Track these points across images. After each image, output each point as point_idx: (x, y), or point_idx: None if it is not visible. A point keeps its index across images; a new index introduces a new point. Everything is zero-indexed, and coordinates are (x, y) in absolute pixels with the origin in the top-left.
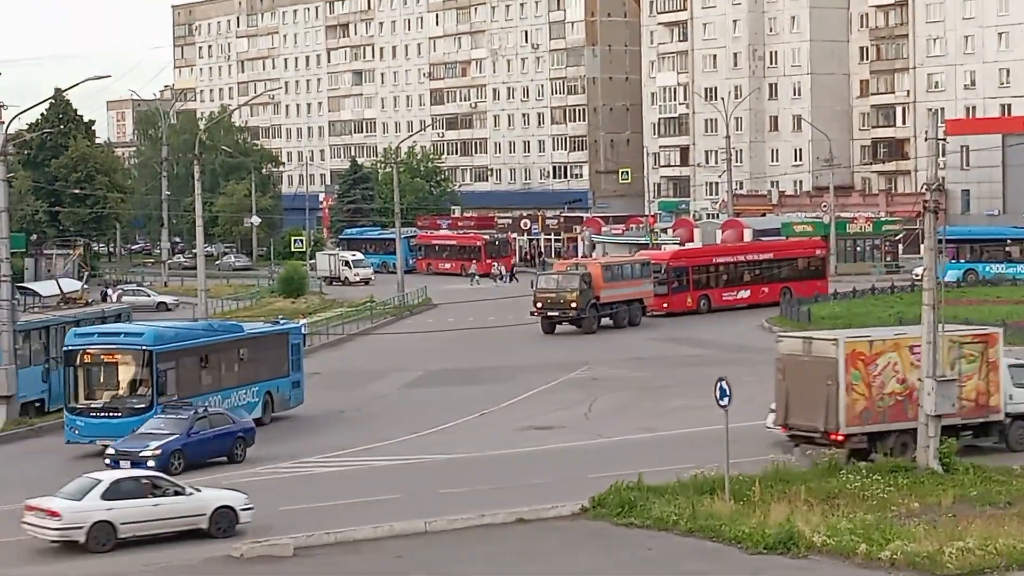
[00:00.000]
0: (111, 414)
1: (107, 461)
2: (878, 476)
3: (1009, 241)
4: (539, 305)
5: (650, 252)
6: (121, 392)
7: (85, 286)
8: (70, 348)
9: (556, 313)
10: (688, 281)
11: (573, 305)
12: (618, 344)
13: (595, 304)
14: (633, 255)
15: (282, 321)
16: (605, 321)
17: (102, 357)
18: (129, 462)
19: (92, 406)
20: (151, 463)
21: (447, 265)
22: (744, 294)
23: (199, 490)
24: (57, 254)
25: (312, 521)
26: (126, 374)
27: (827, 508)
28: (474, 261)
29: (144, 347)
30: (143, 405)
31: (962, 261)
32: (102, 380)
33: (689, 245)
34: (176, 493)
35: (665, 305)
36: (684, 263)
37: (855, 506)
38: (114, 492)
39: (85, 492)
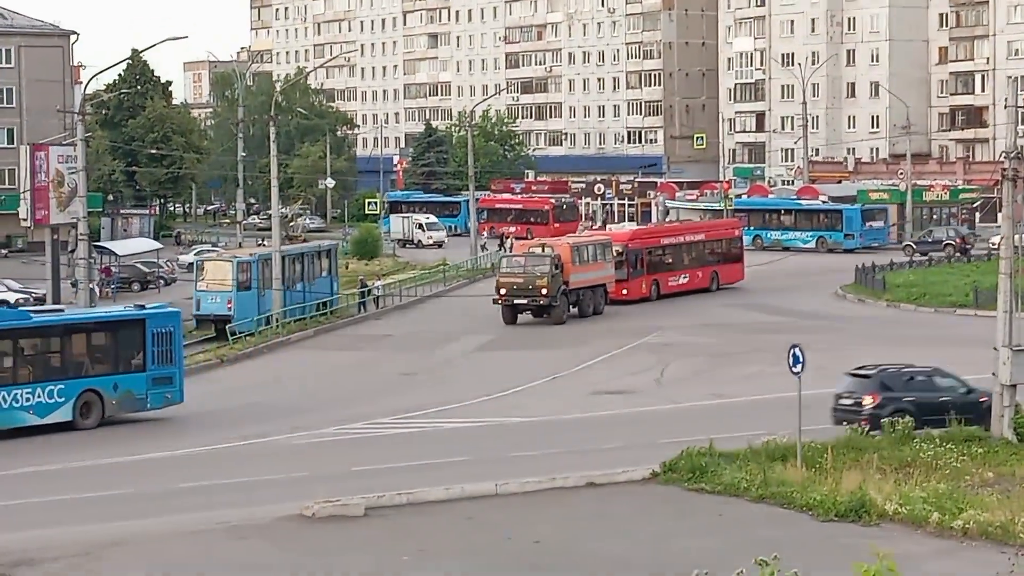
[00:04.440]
0: None
1: None
2: (952, 445)
3: (783, 211)
4: (503, 292)
5: (607, 231)
6: None
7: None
8: None
9: (524, 301)
10: (643, 264)
11: (544, 292)
12: (690, 310)
13: (565, 291)
14: (593, 235)
15: (150, 306)
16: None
17: None
18: None
19: None
20: None
21: (512, 229)
22: (684, 279)
23: None
24: (133, 214)
25: (384, 482)
26: None
27: (900, 477)
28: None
29: None
30: None
31: (752, 228)
32: None
33: (628, 226)
34: None
35: (624, 292)
36: (640, 244)
37: (928, 475)
38: None
39: None
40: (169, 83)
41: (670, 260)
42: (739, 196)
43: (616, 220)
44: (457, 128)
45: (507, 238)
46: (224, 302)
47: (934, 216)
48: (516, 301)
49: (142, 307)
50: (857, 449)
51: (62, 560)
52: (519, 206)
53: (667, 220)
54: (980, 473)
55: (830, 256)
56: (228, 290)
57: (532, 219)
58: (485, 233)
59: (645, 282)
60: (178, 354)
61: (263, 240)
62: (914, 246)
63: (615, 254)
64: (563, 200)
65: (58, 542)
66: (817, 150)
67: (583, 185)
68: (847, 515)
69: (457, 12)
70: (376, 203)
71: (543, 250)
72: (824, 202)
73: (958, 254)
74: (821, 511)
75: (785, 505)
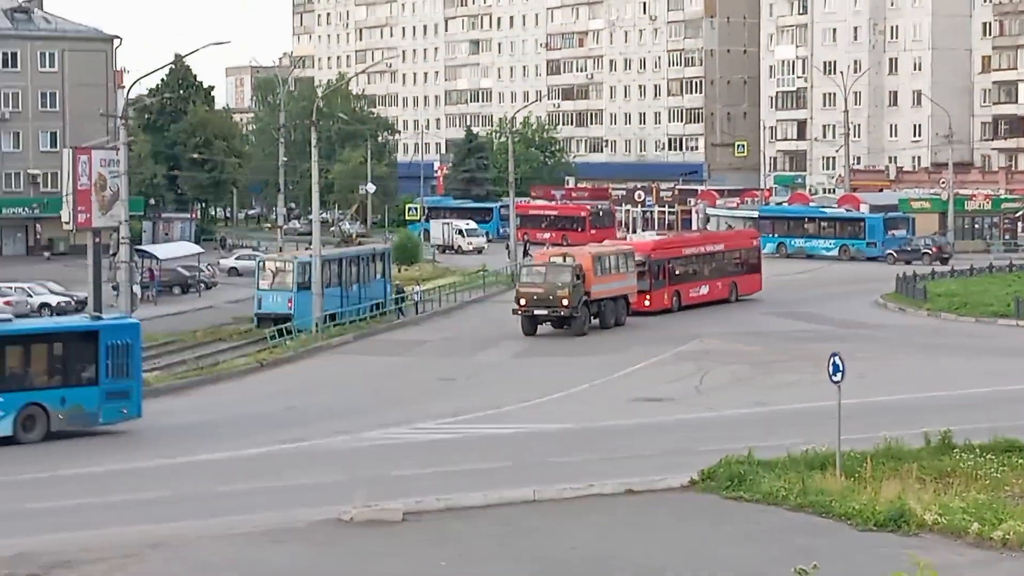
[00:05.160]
0: None
1: None
2: (992, 455)
3: (807, 219)
4: (523, 302)
5: (630, 241)
6: None
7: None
8: None
9: (544, 312)
10: (666, 275)
11: (565, 303)
12: (730, 318)
13: (586, 301)
14: (616, 244)
15: (107, 317)
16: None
17: None
18: None
19: None
20: None
21: (546, 235)
22: (705, 290)
23: None
24: (174, 218)
25: (422, 487)
26: None
27: (939, 486)
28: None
29: None
30: None
31: (775, 236)
32: None
33: (647, 235)
34: None
35: (647, 303)
36: (662, 254)
37: (968, 485)
38: None
39: None
40: (211, 88)
41: (691, 271)
42: (780, 204)
43: (655, 227)
44: (498, 134)
45: (530, 246)
46: (285, 301)
47: (976, 226)
48: (536, 312)
49: (99, 317)
50: (896, 459)
51: (101, 562)
52: (554, 212)
53: (707, 228)
54: (1020, 483)
55: (866, 265)
56: (289, 290)
57: (568, 226)
58: (521, 239)
59: (667, 293)
60: (136, 367)
61: (307, 245)
62: (895, 254)
63: (637, 264)
64: (599, 207)
65: (97, 544)
66: (858, 158)
67: (623, 192)
68: (886, 525)
69: (499, 19)
70: (416, 208)
71: (564, 260)
72: (848, 210)
73: (937, 262)
74: (860, 520)
75: (824, 514)
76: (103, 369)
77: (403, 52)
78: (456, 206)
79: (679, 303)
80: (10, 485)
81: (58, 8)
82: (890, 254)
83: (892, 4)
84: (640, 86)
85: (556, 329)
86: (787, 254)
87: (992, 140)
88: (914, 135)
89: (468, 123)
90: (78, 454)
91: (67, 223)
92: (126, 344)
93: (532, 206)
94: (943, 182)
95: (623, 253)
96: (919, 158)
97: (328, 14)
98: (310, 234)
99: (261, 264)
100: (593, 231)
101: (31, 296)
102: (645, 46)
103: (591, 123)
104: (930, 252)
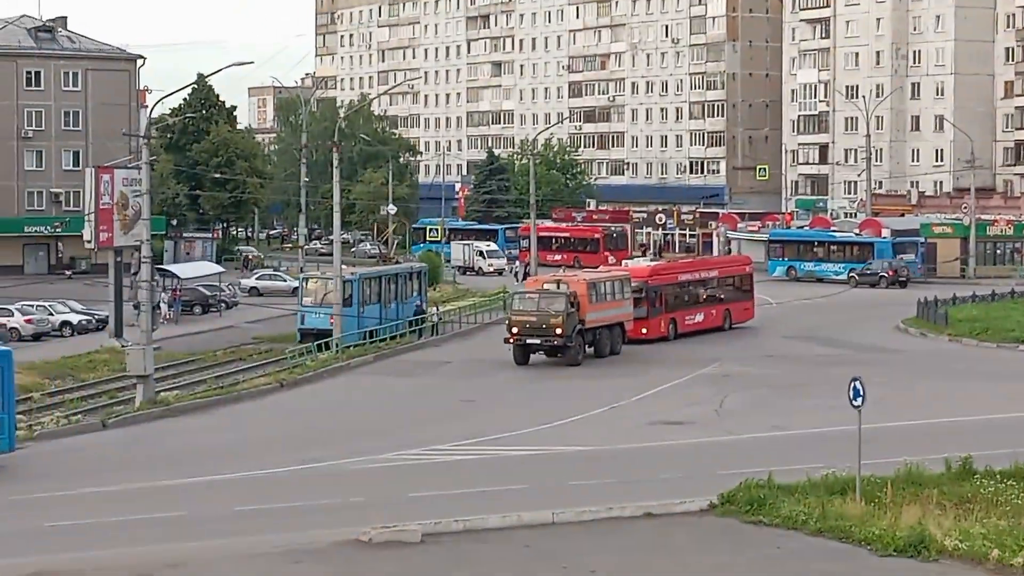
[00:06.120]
0: None
1: None
2: (1012, 482)
3: (816, 243)
4: (515, 331)
5: (626, 266)
6: None
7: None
8: None
9: (537, 340)
10: (663, 302)
11: (558, 331)
12: (750, 342)
13: (581, 330)
14: (611, 270)
15: None
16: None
17: None
18: None
19: None
20: None
21: (557, 257)
22: (700, 317)
23: None
24: (196, 237)
25: (441, 508)
26: None
27: (960, 512)
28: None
29: None
30: None
31: (785, 259)
32: None
33: (642, 261)
34: None
35: (644, 331)
36: (660, 281)
37: (988, 511)
38: None
39: None
40: (234, 108)
41: (687, 298)
42: (801, 227)
43: (676, 250)
44: (519, 156)
45: (526, 271)
46: (327, 318)
47: (998, 251)
48: (528, 341)
49: None
50: (917, 484)
51: None
52: (566, 235)
53: (727, 251)
54: None
55: (883, 289)
56: (331, 306)
57: (581, 248)
58: (518, 263)
59: (664, 320)
60: (7, 398)
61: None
62: (857, 277)
63: (634, 291)
64: (613, 229)
65: (114, 563)
66: (880, 183)
67: (644, 215)
68: (906, 550)
69: (521, 41)
70: (437, 230)
71: (558, 287)
72: (857, 234)
73: (895, 285)
74: (880, 546)
75: (843, 539)
76: None
77: (425, 73)
78: (463, 227)
79: (676, 331)
80: (28, 503)
81: (82, 28)
82: (852, 277)
83: (915, 29)
84: (662, 109)
85: (549, 358)
86: (797, 277)
87: (1014, 165)
88: (936, 160)
89: (490, 145)
90: (97, 473)
91: (89, 242)
92: None
93: (545, 228)
94: (965, 207)
95: (619, 279)
96: (941, 183)
97: (351, 35)
98: (331, 254)
99: (304, 281)
100: (607, 253)
101: (52, 315)
102: (667, 69)
103: (613, 145)
104: (886, 276)
